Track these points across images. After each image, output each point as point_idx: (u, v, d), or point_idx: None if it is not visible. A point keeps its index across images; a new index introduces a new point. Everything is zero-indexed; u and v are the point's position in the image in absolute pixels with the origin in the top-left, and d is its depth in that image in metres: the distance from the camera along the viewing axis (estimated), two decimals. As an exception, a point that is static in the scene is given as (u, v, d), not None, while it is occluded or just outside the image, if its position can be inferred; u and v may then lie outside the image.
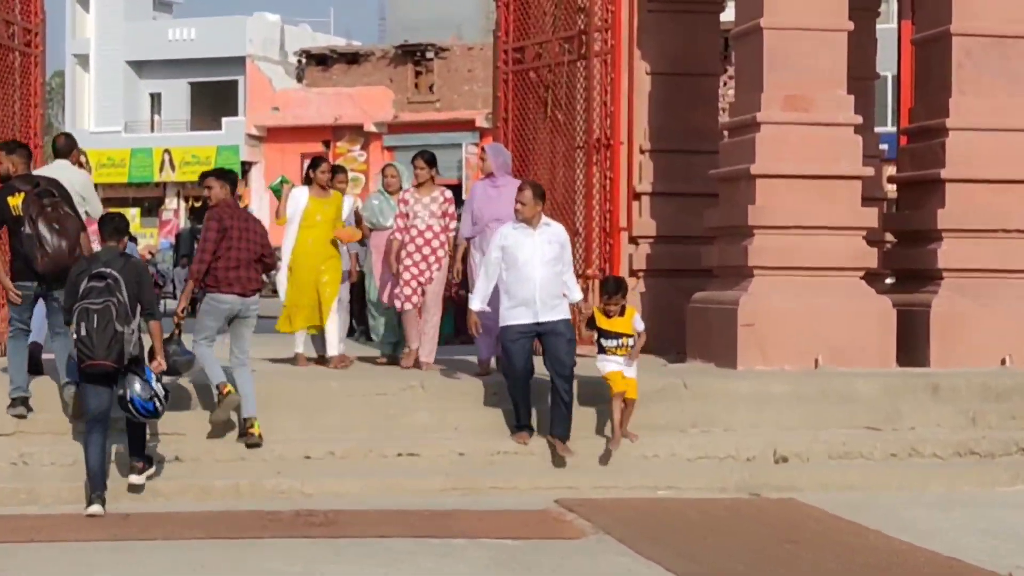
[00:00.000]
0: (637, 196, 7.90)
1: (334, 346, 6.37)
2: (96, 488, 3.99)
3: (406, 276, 6.19)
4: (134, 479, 4.30)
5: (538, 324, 5.21)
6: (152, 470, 4.37)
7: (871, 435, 5.87)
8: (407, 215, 6.26)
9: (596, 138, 7.43)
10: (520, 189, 5.37)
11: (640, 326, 5.50)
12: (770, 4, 6.58)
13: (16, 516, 4.05)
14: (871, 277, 7.06)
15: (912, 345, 6.79)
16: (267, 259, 5.30)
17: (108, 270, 4.09)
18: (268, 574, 3.41)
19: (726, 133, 7.69)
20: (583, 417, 5.33)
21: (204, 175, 5.98)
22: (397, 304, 6.31)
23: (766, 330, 6.24)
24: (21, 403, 4.83)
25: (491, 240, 5.47)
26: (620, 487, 4.92)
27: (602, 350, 5.43)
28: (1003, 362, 6.51)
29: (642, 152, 7.92)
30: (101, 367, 4.04)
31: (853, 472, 5.51)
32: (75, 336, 4.04)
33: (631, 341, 5.35)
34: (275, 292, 7.62)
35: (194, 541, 3.81)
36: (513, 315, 5.24)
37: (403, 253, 6.26)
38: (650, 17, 7.70)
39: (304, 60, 31.24)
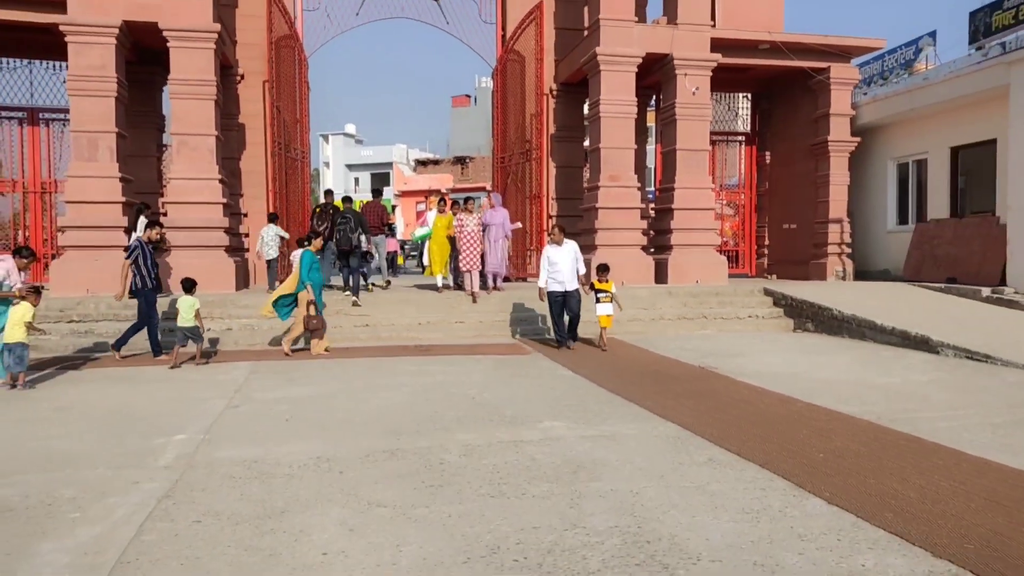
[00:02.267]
0: (550, 217, 16.64)
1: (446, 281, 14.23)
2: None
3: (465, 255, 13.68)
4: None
5: (565, 291, 10.37)
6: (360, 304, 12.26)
7: (645, 311, 14.25)
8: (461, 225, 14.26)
9: (534, 194, 16.13)
10: (552, 228, 11.10)
11: (615, 289, 10.79)
12: (604, 136, 15.31)
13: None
14: (645, 248, 15.83)
15: (662, 276, 15.61)
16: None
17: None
18: (405, 367, 8.83)
19: (587, 190, 16.43)
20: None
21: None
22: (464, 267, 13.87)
23: None
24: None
25: (543, 253, 10.66)
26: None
27: (597, 300, 10.55)
28: (696, 282, 15.54)
29: (553, 199, 16.72)
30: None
31: (638, 326, 13.19)
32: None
33: (611, 295, 10.52)
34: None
35: (373, 357, 9.75)
36: (553, 287, 10.37)
37: (460, 244, 13.25)
38: (556, 143, 16.59)
39: (416, 162, 65.08)
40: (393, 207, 53.44)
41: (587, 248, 15.26)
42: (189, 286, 9.64)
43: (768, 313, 13.35)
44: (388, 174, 64.05)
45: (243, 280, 14.24)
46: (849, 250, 16.88)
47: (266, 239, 14.04)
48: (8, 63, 15.07)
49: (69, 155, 13.30)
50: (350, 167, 67.60)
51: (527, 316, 12.26)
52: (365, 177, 67.10)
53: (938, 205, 15.65)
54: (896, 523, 3.73)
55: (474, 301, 12.55)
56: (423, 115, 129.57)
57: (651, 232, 16.26)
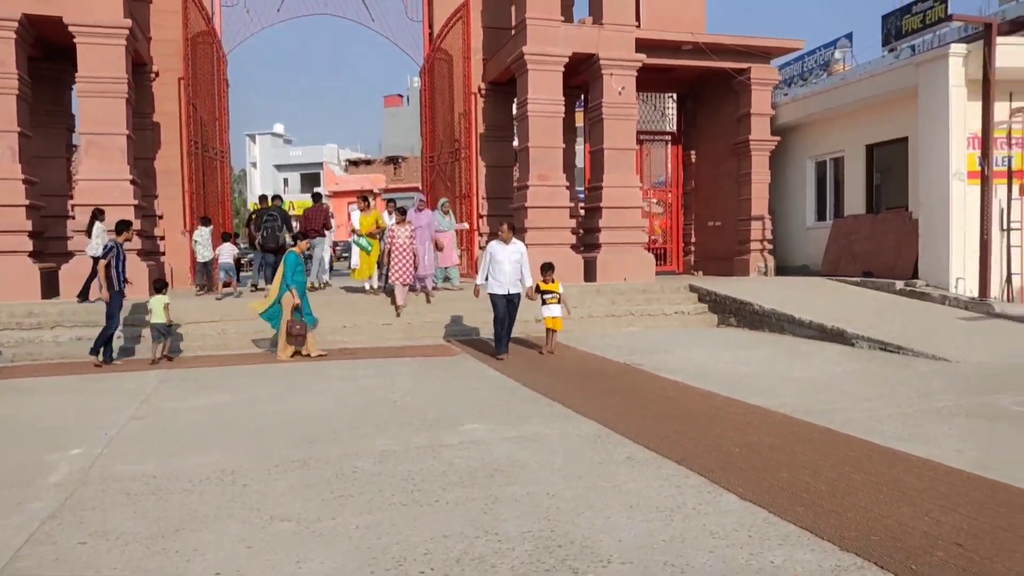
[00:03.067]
0: (480, 216, 16.52)
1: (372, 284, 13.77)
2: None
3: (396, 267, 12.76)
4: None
5: (507, 295, 9.58)
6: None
7: (574, 309, 13.99)
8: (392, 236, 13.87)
9: (463, 193, 15.97)
10: (502, 224, 10.07)
11: (562, 289, 10.07)
12: (532, 135, 15.24)
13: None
14: (574, 247, 15.84)
15: (591, 274, 15.65)
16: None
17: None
18: (328, 371, 8.53)
19: (516, 189, 16.36)
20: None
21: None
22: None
23: (534, 270, 14.86)
24: None
25: (486, 250, 9.85)
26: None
27: (543, 302, 9.92)
28: (624, 279, 15.66)
29: (483, 198, 16.58)
30: None
31: (566, 324, 11.98)
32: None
33: (558, 296, 9.87)
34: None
35: (297, 362, 10.82)
36: (495, 288, 9.55)
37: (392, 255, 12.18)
38: (485, 142, 16.46)
39: (347, 162, 63.39)
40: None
41: (516, 247, 15.21)
42: (161, 286, 10.19)
43: (693, 309, 13.54)
44: (319, 174, 62.82)
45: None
46: (771, 246, 17.28)
47: (200, 241, 13.65)
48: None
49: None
50: (279, 167, 66.05)
51: (456, 317, 12.10)
52: (295, 177, 65.74)
53: (855, 201, 16.16)
54: (806, 517, 3.74)
55: (398, 315, 12.13)
56: (355, 115, 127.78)
57: (580, 231, 16.30)
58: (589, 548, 3.41)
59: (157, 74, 15.12)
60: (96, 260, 11.36)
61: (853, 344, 10.14)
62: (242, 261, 19.52)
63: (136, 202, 12.75)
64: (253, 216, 14.41)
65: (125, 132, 12.63)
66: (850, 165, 16.31)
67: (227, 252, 14.36)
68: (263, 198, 15.01)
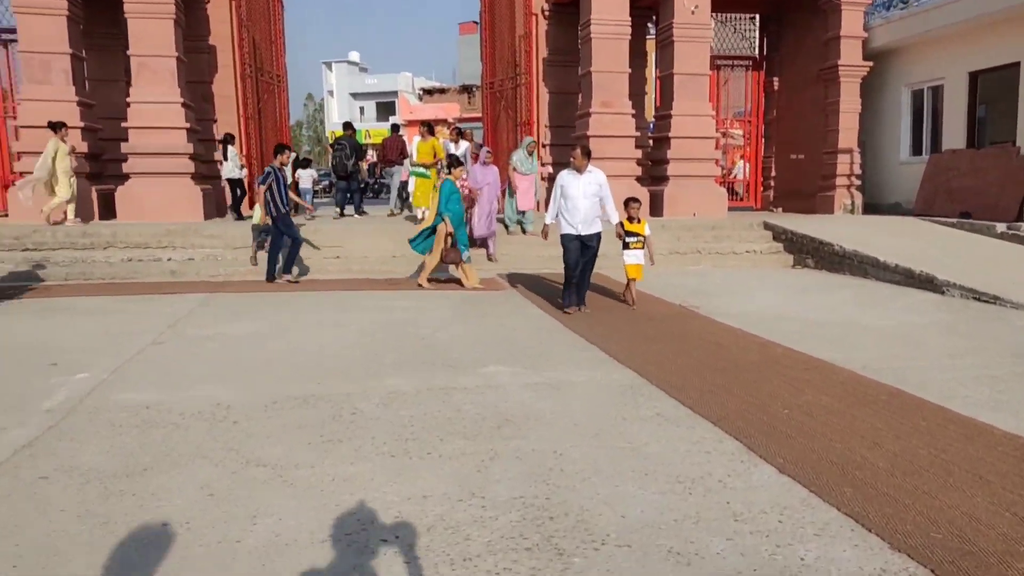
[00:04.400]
0: (543, 146, 15.77)
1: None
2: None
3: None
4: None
5: (580, 236, 7.61)
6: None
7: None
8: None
9: (524, 121, 15.20)
10: (574, 149, 7.76)
11: (648, 231, 8.17)
12: (595, 59, 14.25)
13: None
14: (640, 179, 14.94)
15: (657, 209, 14.76)
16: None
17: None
18: (366, 302, 8.22)
19: (577, 117, 15.41)
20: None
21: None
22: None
23: None
24: None
25: (556, 182, 7.84)
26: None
27: (625, 245, 8.08)
28: (693, 215, 14.72)
29: (546, 127, 15.78)
30: None
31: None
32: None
33: (643, 239, 8.11)
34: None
35: (337, 291, 8.93)
36: (566, 228, 7.62)
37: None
38: (549, 67, 15.52)
39: (422, 91, 60.81)
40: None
41: (578, 179, 14.45)
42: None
43: (767, 248, 12.59)
44: (393, 103, 62.51)
45: (214, 209, 13.57)
46: (859, 182, 15.92)
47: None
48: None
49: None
50: (355, 96, 66.01)
51: (519, 259, 11.50)
52: (370, 106, 65.66)
53: (954, 135, 14.62)
54: (855, 501, 3.12)
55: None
56: (430, 43, 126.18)
57: (648, 163, 15.36)
58: (584, 523, 2.90)
59: (213, -5, 14.73)
60: (232, 182, 13.84)
61: (943, 292, 9.14)
62: (317, 187, 19.84)
63: (188, 125, 12.55)
64: (332, 144, 15.26)
65: (174, 54, 12.35)
66: (950, 94, 14.71)
67: (306, 177, 15.68)
68: (346, 126, 15.81)
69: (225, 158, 13.64)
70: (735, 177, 18.02)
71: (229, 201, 13.99)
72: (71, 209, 11.62)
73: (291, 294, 8.94)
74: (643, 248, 8.20)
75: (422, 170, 12.73)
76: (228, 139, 13.89)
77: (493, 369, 5.41)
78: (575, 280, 7.79)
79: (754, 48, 18.41)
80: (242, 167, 13.95)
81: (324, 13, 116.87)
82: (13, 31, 14.32)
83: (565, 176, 7.78)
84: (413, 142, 13.73)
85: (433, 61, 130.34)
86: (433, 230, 9.39)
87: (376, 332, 6.71)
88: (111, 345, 6.13)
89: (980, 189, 13.24)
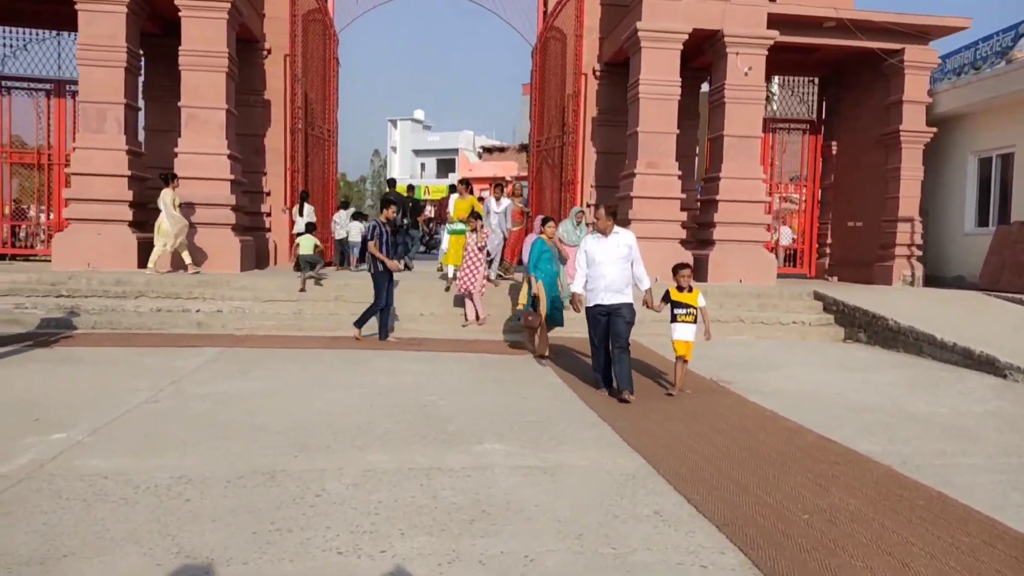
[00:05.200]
0: (588, 205, 15.49)
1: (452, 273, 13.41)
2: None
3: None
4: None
5: (609, 308, 6.76)
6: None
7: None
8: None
9: (568, 179, 15.00)
10: (598, 210, 7.20)
11: (703, 303, 7.02)
12: (643, 119, 14.00)
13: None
14: (684, 243, 14.34)
15: (701, 273, 14.19)
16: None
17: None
18: (380, 363, 7.75)
19: (622, 177, 15.08)
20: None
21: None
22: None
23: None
24: None
25: (579, 247, 7.22)
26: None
27: (674, 318, 7.02)
28: (739, 281, 14.10)
29: (591, 187, 15.53)
30: None
31: (661, 327, 9.30)
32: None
33: (695, 312, 6.98)
34: None
35: (356, 349, 8.70)
36: (593, 299, 6.90)
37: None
38: (598, 127, 15.37)
39: (482, 149, 64.09)
40: (480, 198, 53.08)
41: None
42: (311, 229, 12.69)
43: (816, 320, 11.90)
44: (454, 160, 63.69)
45: (253, 261, 13.62)
46: (920, 252, 15.09)
47: (338, 222, 15.52)
48: (38, 34, 14.84)
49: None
50: (416, 152, 67.58)
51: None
52: (431, 162, 67.01)
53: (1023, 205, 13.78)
54: (863, 648, 2.58)
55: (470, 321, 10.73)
56: (493, 101, 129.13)
57: (695, 226, 14.87)
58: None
59: (269, 51, 15.10)
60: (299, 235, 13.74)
61: (1005, 376, 8.35)
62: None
63: (233, 177, 12.70)
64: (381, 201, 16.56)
65: (224, 106, 12.59)
66: (1021, 162, 13.91)
67: (355, 231, 16.09)
68: (390, 182, 17.29)
69: (300, 214, 14.00)
70: (776, 242, 17.31)
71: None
72: (187, 256, 12.03)
73: (305, 351, 8.71)
74: (694, 322, 7.07)
75: (460, 226, 12.56)
76: (304, 196, 14.47)
77: (488, 447, 4.99)
78: (603, 357, 6.98)
79: (812, 111, 17.92)
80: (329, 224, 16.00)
81: (393, 71, 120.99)
82: (48, 81, 14.89)
83: (590, 241, 7.12)
84: (451, 199, 13.63)
85: (495, 120, 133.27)
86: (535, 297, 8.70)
87: (379, 397, 6.38)
88: (104, 402, 5.94)
89: (1053, 264, 12.33)
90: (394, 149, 68.57)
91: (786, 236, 17.90)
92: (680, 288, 7.13)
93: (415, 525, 3.59)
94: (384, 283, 9.60)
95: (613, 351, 6.82)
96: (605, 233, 7.01)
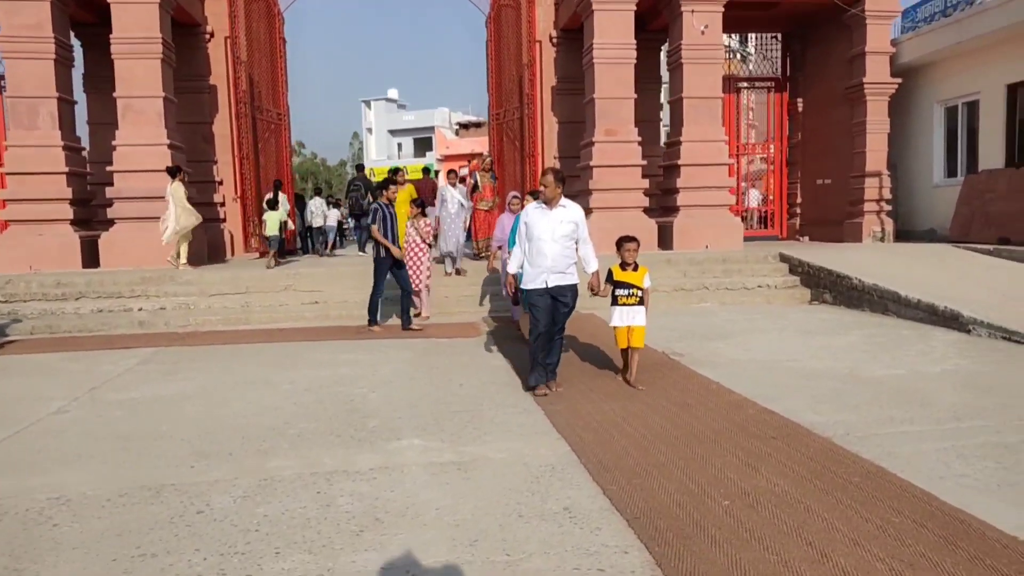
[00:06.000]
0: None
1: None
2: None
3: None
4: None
5: (549, 289, 5.86)
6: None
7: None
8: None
9: (529, 151, 14.57)
10: (544, 174, 5.97)
11: (648, 283, 6.16)
12: (598, 85, 13.55)
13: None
14: (648, 210, 13.85)
15: (666, 241, 13.88)
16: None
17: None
18: (316, 355, 8.46)
19: (581, 147, 14.58)
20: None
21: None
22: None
23: (598, 236, 13.10)
24: None
25: (519, 217, 6.35)
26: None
27: (614, 300, 6.09)
28: (706, 247, 13.78)
29: (555, 158, 15.10)
30: None
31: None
32: None
33: (640, 292, 6.06)
34: None
35: (295, 341, 9.35)
36: (532, 281, 5.92)
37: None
38: (558, 95, 14.91)
39: (459, 126, 62.14)
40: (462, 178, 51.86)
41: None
42: (273, 205, 12.97)
43: (782, 283, 11.61)
44: (430, 139, 62.83)
45: (203, 254, 13.18)
46: (889, 207, 14.84)
47: (314, 211, 17.12)
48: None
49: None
50: (392, 132, 66.57)
51: (498, 290, 10.83)
52: (408, 142, 66.09)
53: (992, 154, 13.48)
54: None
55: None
56: (466, 75, 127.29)
57: (660, 193, 14.53)
58: None
59: (212, 35, 14.59)
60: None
61: (969, 331, 8.12)
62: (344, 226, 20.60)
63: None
64: (348, 185, 17.91)
65: (161, 95, 12.10)
66: (987, 110, 13.62)
67: (332, 216, 17.60)
68: (358, 167, 18.72)
69: (274, 207, 13.27)
70: (746, 206, 17.03)
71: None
72: (184, 251, 11.72)
73: (245, 346, 8.36)
74: (639, 304, 6.13)
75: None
76: (278, 185, 14.27)
77: (406, 443, 4.69)
78: (545, 348, 5.92)
79: (776, 68, 17.53)
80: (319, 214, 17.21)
81: (363, 50, 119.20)
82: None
83: (531, 212, 6.01)
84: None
85: (471, 95, 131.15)
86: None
87: (305, 393, 6.06)
88: (9, 415, 5.59)
89: (1019, 212, 12.08)
90: (369, 130, 67.54)
91: (754, 198, 17.61)
92: (624, 265, 6.16)
93: (295, 542, 3.28)
94: (385, 269, 9.11)
95: (546, 337, 5.94)
96: (549, 203, 5.93)
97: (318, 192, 20.98)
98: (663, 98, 16.88)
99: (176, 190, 11.57)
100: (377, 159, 64.82)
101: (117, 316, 9.95)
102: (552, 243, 5.85)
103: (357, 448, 4.59)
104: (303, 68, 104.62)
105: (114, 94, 12.09)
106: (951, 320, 8.47)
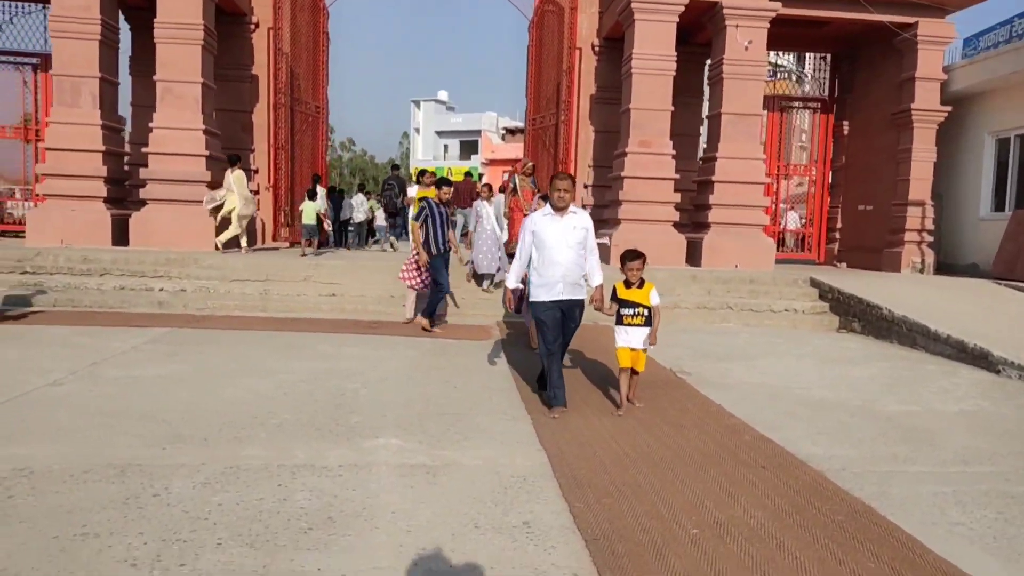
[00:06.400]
0: (586, 186, 14.99)
1: None
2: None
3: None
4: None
5: (560, 303, 5.47)
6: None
7: (662, 298, 11.81)
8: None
9: (561, 158, 14.45)
10: (560, 178, 5.54)
11: (656, 300, 5.60)
12: (635, 95, 13.35)
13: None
14: (678, 225, 13.43)
15: (695, 258, 13.46)
16: None
17: None
18: (321, 347, 8.32)
19: (614, 157, 14.18)
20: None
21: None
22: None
23: (625, 247, 12.78)
24: None
25: (522, 226, 5.76)
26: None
27: (619, 320, 5.62)
28: (735, 266, 13.46)
29: (589, 166, 14.99)
30: None
31: None
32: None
33: (647, 312, 5.53)
34: None
35: (305, 332, 9.53)
36: (540, 292, 5.53)
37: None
38: (596, 104, 14.76)
39: (505, 130, 63.41)
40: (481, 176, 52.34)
41: (610, 222, 13.52)
42: (312, 196, 13.56)
43: (810, 308, 11.27)
44: (476, 142, 63.03)
45: (235, 239, 13.31)
46: (931, 238, 14.34)
47: (355, 206, 18.27)
48: (24, 8, 14.65)
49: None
50: (440, 134, 66.97)
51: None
52: (454, 144, 66.41)
53: (1043, 189, 12.95)
54: None
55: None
56: (516, 82, 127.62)
57: (692, 208, 14.25)
58: None
59: (257, 25, 14.76)
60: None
61: (999, 371, 7.74)
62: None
63: (209, 153, 12.39)
64: (383, 184, 17.66)
65: (199, 80, 12.26)
66: (1041, 143, 13.07)
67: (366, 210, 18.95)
68: (394, 167, 19.05)
69: (312, 197, 13.65)
70: (783, 228, 16.63)
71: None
72: (244, 240, 12.48)
73: (255, 333, 8.37)
74: (645, 324, 5.62)
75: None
76: (317, 179, 14.96)
77: (383, 442, 4.59)
78: (555, 363, 5.55)
79: (824, 89, 17.13)
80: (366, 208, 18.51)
81: (416, 51, 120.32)
82: (35, 55, 14.69)
83: (538, 220, 5.62)
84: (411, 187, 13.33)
85: (519, 101, 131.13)
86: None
87: (300, 384, 6.01)
88: (3, 384, 5.64)
89: (1067, 251, 11.55)
90: (417, 131, 68.08)
91: (793, 221, 17.21)
92: (628, 284, 5.72)
93: (239, 534, 3.20)
94: (441, 266, 8.82)
95: (557, 354, 5.60)
96: (559, 211, 5.55)
97: (361, 188, 21.66)
98: (704, 113, 16.61)
99: (239, 179, 12.26)
100: (423, 159, 65.24)
101: (138, 295, 10.08)
102: (567, 250, 5.49)
103: (333, 443, 4.51)
104: (355, 65, 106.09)
105: (154, 77, 12.28)
106: (980, 359, 8.10)
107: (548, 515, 3.56)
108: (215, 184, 12.54)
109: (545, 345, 5.59)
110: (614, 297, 5.71)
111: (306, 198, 13.64)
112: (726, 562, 3.13)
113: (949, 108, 14.01)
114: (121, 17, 13.49)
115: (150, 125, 12.33)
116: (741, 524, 3.54)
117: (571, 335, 5.73)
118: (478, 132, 63.63)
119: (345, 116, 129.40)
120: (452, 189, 9.53)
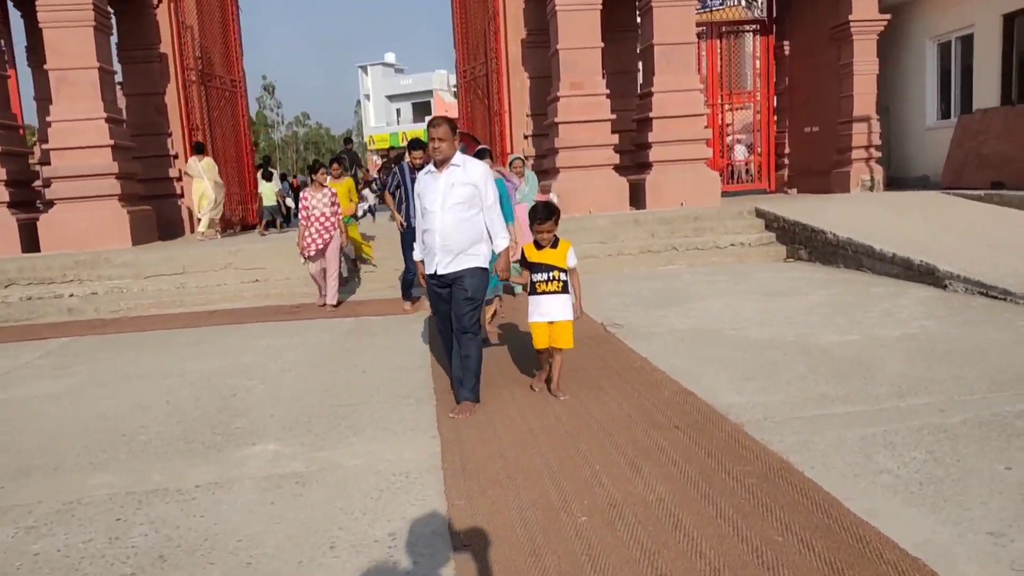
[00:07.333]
0: (525, 136, 14.36)
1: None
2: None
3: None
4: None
5: (441, 276, 4.57)
6: None
7: (602, 246, 10.25)
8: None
9: (496, 109, 13.82)
10: (433, 125, 4.48)
11: (573, 261, 4.67)
12: (562, 35, 12.65)
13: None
14: (619, 168, 12.82)
15: (639, 200, 12.92)
16: None
17: None
18: (229, 340, 8.71)
19: (547, 103, 13.50)
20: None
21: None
22: None
23: (566, 198, 12.02)
24: None
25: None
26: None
27: (532, 288, 4.71)
28: (681, 204, 12.99)
29: (527, 115, 14.32)
30: None
31: (592, 263, 9.58)
32: None
33: (564, 276, 4.64)
34: None
35: (216, 325, 8.61)
36: (426, 263, 4.66)
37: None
38: (527, 49, 14.02)
39: (456, 87, 54.22)
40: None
41: (551, 172, 12.98)
42: (268, 177, 14.21)
43: (756, 240, 10.90)
44: (429, 103, 61.63)
45: (154, 232, 12.66)
46: (879, 154, 13.98)
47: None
48: None
49: None
50: (391, 98, 65.43)
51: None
52: (407, 107, 64.96)
53: (987, 92, 12.55)
54: None
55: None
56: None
57: (633, 149, 13.72)
58: None
59: (159, 1, 13.84)
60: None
61: (946, 286, 7.43)
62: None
63: (114, 142, 11.63)
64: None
65: (96, 65, 11.43)
66: (982, 43, 12.66)
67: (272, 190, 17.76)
68: (346, 140, 19.23)
69: (267, 178, 14.45)
70: (731, 160, 16.19)
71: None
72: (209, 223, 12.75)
73: (159, 333, 7.83)
74: (563, 291, 4.66)
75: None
76: (267, 160, 15.30)
77: (259, 448, 4.13)
78: (452, 352, 4.74)
79: (762, 10, 16.55)
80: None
81: (359, 15, 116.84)
82: None
83: (420, 179, 4.69)
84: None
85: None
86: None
87: (187, 388, 5.51)
88: None
89: (1014, 154, 11.22)
90: (368, 97, 66.36)
91: (740, 152, 16.76)
92: (538, 245, 4.69)
93: (41, 589, 2.73)
94: (410, 242, 8.07)
95: (450, 338, 4.76)
96: (439, 164, 4.53)
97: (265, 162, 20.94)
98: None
99: (210, 166, 12.47)
100: (376, 126, 63.70)
101: (46, 303, 9.45)
102: (443, 212, 4.46)
103: (201, 458, 4.03)
104: (297, 36, 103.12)
105: (45, 66, 11.43)
106: (927, 275, 7.77)
107: (420, 520, 3.13)
108: (126, 175, 11.81)
109: (440, 330, 4.86)
110: (524, 263, 4.78)
111: (260, 180, 14.18)
112: (608, 556, 2.72)
113: (888, 16, 13.52)
114: (10, 4, 12.57)
115: (47, 119, 11.51)
116: (638, 502, 3.13)
117: (466, 308, 4.55)
118: (430, 92, 62.17)
119: (295, 91, 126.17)
120: (424, 153, 8.69)
